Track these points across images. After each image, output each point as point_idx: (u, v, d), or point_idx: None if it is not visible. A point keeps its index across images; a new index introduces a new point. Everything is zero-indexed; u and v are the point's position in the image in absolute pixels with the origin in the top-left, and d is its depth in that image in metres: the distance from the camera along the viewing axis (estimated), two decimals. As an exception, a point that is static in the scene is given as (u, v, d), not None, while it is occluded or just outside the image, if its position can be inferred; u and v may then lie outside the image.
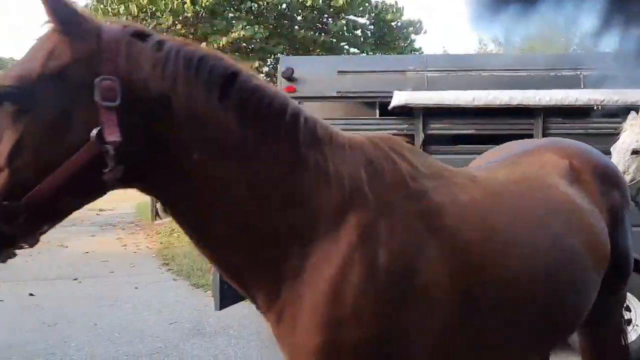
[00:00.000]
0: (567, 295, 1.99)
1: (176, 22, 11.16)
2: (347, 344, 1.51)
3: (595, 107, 4.63)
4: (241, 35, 10.71)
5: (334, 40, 13.35)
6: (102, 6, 11.11)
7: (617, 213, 2.35)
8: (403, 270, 1.57)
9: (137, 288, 7.56)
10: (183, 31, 11.44)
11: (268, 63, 13.49)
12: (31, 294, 7.15)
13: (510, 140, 4.63)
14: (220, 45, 10.75)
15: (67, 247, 11.69)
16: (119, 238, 13.07)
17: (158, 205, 16.36)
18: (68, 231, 14.35)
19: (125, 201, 24.52)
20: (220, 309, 4.77)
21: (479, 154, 4.95)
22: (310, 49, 12.44)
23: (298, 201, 1.57)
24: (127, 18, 11.37)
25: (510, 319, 1.80)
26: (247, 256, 1.58)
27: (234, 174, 1.52)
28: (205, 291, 7.33)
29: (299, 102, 5.77)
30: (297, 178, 1.57)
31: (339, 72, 5.08)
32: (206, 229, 1.58)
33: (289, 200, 1.56)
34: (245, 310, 6.08)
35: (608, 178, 2.37)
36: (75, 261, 9.86)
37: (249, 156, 1.53)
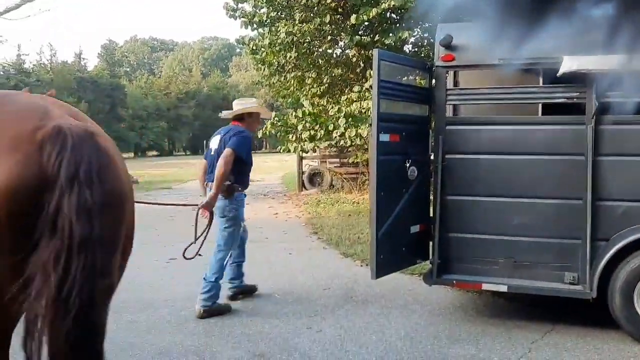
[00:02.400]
0: None
1: (327, -4, 11.34)
2: None
3: None
4: (391, 6, 10.59)
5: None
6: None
7: None
8: None
9: (290, 254, 7.98)
10: (333, 5, 11.59)
11: (415, 33, 13.21)
12: (199, 254, 7.87)
13: None
14: (370, 17, 10.74)
15: (225, 213, 12.63)
16: (271, 207, 13.86)
17: (304, 176, 17.02)
18: (225, 199, 15.52)
19: (271, 173, 25.91)
20: (376, 277, 4.87)
21: (667, 124, 4.46)
22: (461, 15, 11.93)
23: None
24: (280, -6, 11.80)
25: None
26: None
27: None
28: (354, 260, 7.52)
29: (455, 72, 5.56)
30: None
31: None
32: None
33: None
34: (394, 281, 6.16)
35: None
36: (234, 226, 10.63)
37: None
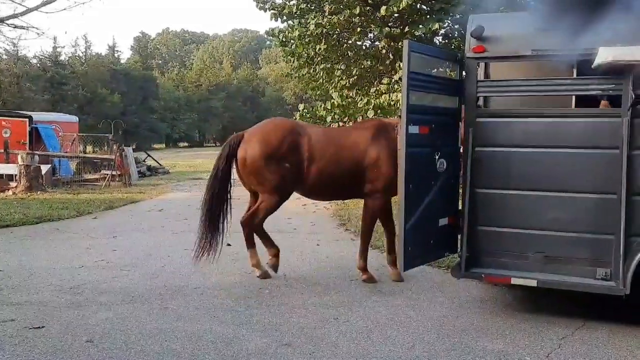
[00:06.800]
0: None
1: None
2: None
3: None
4: (421, -3, 10.51)
5: (518, -4, 12.39)
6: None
7: None
8: None
9: (318, 245, 8.02)
10: (362, -5, 11.53)
11: (445, 24, 13.03)
12: (229, 244, 7.97)
13: None
14: (400, 8, 10.64)
15: (254, 204, 12.73)
16: (298, 198, 13.84)
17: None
18: (254, 190, 15.63)
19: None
20: (404, 270, 4.87)
21: None
22: (494, 6, 11.71)
23: None
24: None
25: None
26: None
27: None
28: (382, 252, 7.50)
29: (486, 63, 5.47)
30: None
31: (537, 29, 4.71)
32: None
33: None
34: (422, 274, 6.14)
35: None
36: (263, 217, 10.70)
37: None
